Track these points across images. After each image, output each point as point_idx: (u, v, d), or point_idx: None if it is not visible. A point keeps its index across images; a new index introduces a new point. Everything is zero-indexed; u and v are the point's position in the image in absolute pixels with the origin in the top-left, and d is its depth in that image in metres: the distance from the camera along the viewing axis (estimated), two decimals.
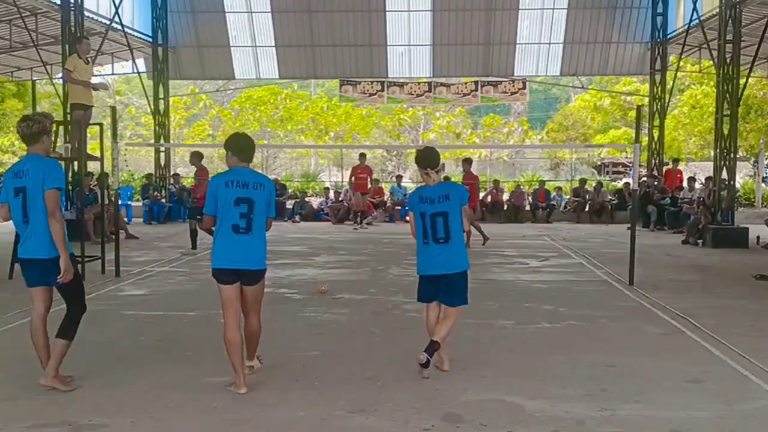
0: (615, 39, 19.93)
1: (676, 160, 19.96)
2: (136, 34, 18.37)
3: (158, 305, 7.16)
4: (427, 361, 4.55)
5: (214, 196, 4.33)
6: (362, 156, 17.01)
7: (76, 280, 4.48)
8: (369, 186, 16.69)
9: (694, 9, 15.99)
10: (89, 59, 9.75)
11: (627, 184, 20.26)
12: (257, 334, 4.62)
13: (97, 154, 10.14)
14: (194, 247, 11.31)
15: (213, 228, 4.47)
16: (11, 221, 4.50)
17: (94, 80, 10.12)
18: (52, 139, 4.75)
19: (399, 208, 18.63)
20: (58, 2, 14.24)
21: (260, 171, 26.46)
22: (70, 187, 13.23)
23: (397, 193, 19.48)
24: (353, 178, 16.38)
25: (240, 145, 4.48)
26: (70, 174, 13.46)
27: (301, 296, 7.63)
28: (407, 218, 18.38)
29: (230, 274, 4.34)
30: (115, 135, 9.24)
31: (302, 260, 10.53)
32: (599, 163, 35.22)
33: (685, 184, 17.36)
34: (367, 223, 16.46)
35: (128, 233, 13.27)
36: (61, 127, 10.55)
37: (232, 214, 4.28)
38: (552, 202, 19.02)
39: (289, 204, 19.25)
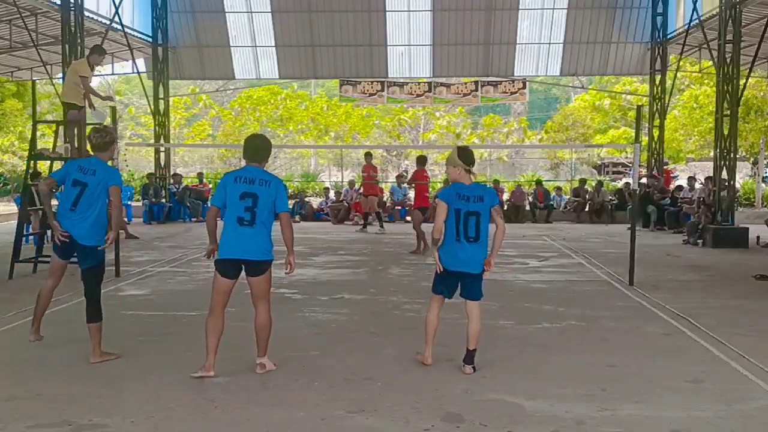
0: (615, 39, 19.92)
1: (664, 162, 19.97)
2: (136, 34, 18.36)
3: (158, 305, 7.16)
4: (473, 369, 4.77)
5: (224, 190, 4.59)
6: (367, 155, 16.72)
7: (101, 271, 5.15)
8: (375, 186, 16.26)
9: (694, 9, 15.99)
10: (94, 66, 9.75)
11: (627, 184, 20.27)
12: (267, 328, 4.72)
13: None
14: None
15: (211, 218, 4.71)
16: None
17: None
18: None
19: (399, 208, 18.61)
20: (58, 2, 14.23)
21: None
22: None
23: (398, 193, 19.43)
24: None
25: (246, 148, 4.73)
26: None
27: (301, 296, 7.63)
28: (408, 218, 18.17)
29: (233, 266, 4.56)
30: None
31: (302, 260, 10.52)
32: (599, 163, 35.23)
33: (685, 183, 17.36)
34: (363, 226, 15.78)
35: (128, 233, 13.26)
36: (61, 127, 10.55)
37: (237, 207, 4.53)
38: (551, 203, 19.02)
39: (290, 204, 19.22)
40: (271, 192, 4.58)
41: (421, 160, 12.30)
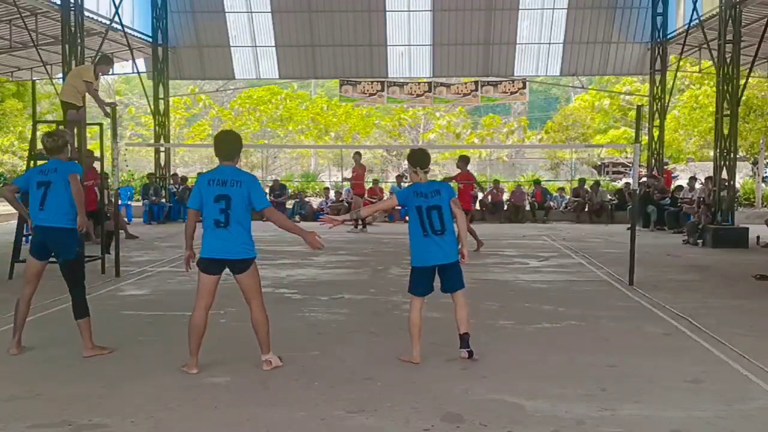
0: (615, 39, 19.92)
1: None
2: (136, 34, 18.37)
3: (158, 305, 7.16)
4: (470, 352, 4.97)
5: (199, 193, 4.68)
6: (356, 154, 16.73)
7: (80, 264, 5.28)
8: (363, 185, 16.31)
9: (694, 9, 15.99)
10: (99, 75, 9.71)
11: (627, 184, 20.28)
12: (264, 324, 4.77)
13: (97, 154, 10.16)
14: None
15: (189, 222, 4.78)
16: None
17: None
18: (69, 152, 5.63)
19: (399, 208, 18.59)
20: (58, 2, 14.23)
21: (260, 171, 26.31)
22: None
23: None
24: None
25: (216, 146, 4.77)
26: None
27: (301, 296, 7.64)
28: (407, 218, 18.19)
29: (214, 264, 4.66)
30: (115, 135, 9.24)
31: (302, 260, 10.53)
32: (599, 163, 35.23)
33: (685, 183, 17.37)
34: (363, 226, 15.72)
35: (128, 233, 13.27)
36: (61, 127, 10.54)
37: (213, 210, 4.61)
38: (547, 204, 18.98)
39: (289, 204, 19.25)
40: (243, 192, 4.61)
41: (466, 160, 12.08)
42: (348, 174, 28.80)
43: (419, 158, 5.08)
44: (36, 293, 5.39)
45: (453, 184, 11.56)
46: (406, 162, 5.88)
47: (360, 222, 15.67)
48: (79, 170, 5.32)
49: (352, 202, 16.00)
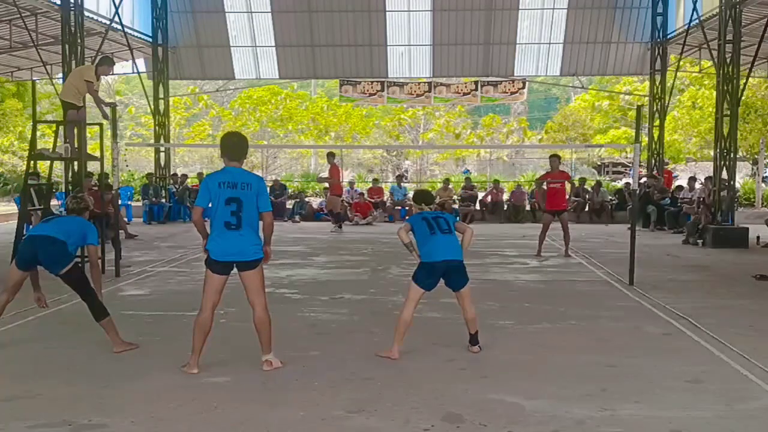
0: (615, 39, 19.92)
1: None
2: (136, 34, 18.36)
3: (158, 305, 7.16)
4: (479, 347, 5.27)
5: (208, 192, 4.69)
6: (329, 155, 16.72)
7: (81, 276, 5.33)
8: (342, 186, 16.29)
9: (694, 9, 15.98)
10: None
11: (627, 184, 20.27)
12: (266, 324, 4.78)
13: (97, 154, 10.15)
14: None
15: (198, 219, 4.82)
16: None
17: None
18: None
19: (399, 208, 18.61)
20: (58, 2, 14.22)
21: (260, 171, 26.32)
22: (70, 188, 13.23)
23: (397, 193, 19.44)
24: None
25: (224, 146, 4.81)
26: (69, 174, 13.45)
27: (301, 296, 7.64)
28: (407, 219, 18.15)
29: (225, 265, 4.70)
30: (115, 135, 9.24)
31: (302, 260, 10.53)
32: (599, 163, 35.21)
33: (685, 184, 17.36)
34: (338, 227, 15.51)
35: (128, 233, 13.27)
36: (61, 127, 10.55)
37: (224, 212, 4.64)
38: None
39: (289, 204, 19.25)
40: (253, 194, 4.66)
41: (559, 157, 11.91)
42: (348, 174, 28.83)
43: (424, 197, 5.54)
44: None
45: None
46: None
47: (338, 222, 15.60)
48: (96, 241, 5.50)
49: (327, 202, 15.99)
